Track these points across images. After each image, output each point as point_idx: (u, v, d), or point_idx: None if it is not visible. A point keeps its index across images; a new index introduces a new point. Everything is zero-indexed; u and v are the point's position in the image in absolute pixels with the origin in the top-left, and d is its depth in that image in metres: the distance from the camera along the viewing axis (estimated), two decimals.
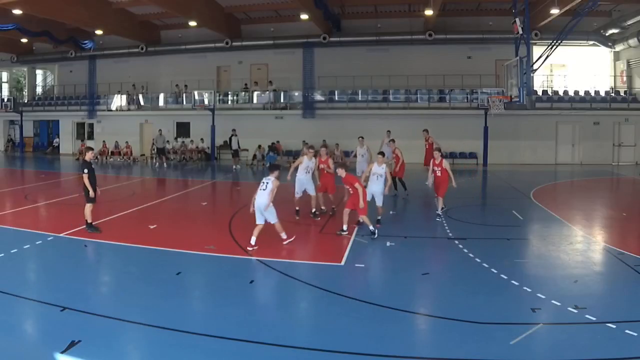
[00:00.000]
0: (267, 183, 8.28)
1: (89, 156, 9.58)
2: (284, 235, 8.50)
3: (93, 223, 9.47)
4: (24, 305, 5.86)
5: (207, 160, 26.70)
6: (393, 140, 14.30)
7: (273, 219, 8.33)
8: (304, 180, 10.65)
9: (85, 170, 9.26)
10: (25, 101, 33.00)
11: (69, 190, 15.47)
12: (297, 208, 10.81)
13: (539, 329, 5.15)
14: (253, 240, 8.16)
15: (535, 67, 16.04)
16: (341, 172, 9.26)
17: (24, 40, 28.73)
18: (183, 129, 28.58)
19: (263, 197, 8.15)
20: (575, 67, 25.40)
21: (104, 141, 27.27)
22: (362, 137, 15.41)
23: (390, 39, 25.86)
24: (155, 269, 7.45)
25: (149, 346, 4.93)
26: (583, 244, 8.96)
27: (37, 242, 8.59)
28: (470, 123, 24.22)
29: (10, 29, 23.91)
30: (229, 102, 28.42)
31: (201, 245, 8.58)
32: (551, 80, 25.88)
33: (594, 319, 5.37)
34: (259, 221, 8.25)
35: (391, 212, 12.05)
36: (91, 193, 9.25)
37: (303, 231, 9.98)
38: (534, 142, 24.62)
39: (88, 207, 9.37)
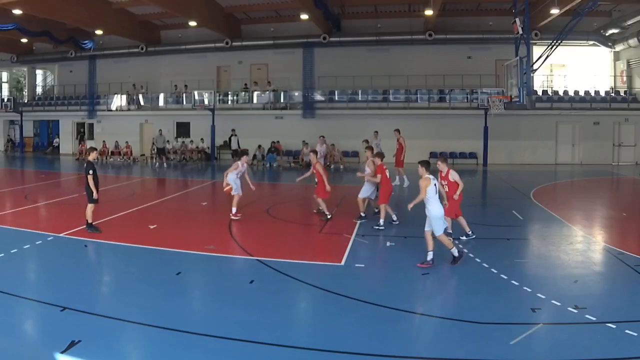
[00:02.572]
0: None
1: (92, 156, 9.63)
2: (234, 210, 10.60)
3: (93, 223, 9.48)
4: (24, 305, 5.86)
5: (207, 160, 26.71)
6: (367, 141, 14.32)
7: (234, 191, 10.72)
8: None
9: (90, 171, 9.27)
10: (25, 101, 33.00)
11: (69, 190, 15.48)
12: (362, 213, 10.65)
13: (539, 329, 5.15)
14: (234, 210, 10.61)
15: (535, 67, 16.03)
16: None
17: (24, 40, 28.73)
18: (183, 129, 28.58)
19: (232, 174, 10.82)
20: (575, 67, 25.39)
21: (104, 141, 27.27)
22: (323, 136, 17.17)
23: (390, 39, 25.86)
24: (155, 269, 7.45)
25: (149, 346, 4.93)
26: (583, 244, 8.96)
27: (37, 242, 8.60)
28: (470, 123, 24.23)
29: (10, 29, 23.91)
30: (229, 102, 28.43)
31: (201, 245, 8.59)
32: (551, 80, 25.88)
33: (594, 319, 5.37)
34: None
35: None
36: (95, 194, 9.28)
37: (303, 231, 9.99)
38: (534, 142, 24.62)
39: (90, 207, 9.39)
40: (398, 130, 16.41)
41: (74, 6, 21.74)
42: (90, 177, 9.22)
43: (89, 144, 28.08)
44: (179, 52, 28.85)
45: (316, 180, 10.96)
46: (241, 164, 11.11)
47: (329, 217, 10.61)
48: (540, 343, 4.93)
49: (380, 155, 10.49)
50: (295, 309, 6.20)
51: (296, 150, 25.30)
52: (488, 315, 5.58)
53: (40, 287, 6.68)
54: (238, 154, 11.56)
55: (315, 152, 11.46)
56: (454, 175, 8.77)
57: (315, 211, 11.37)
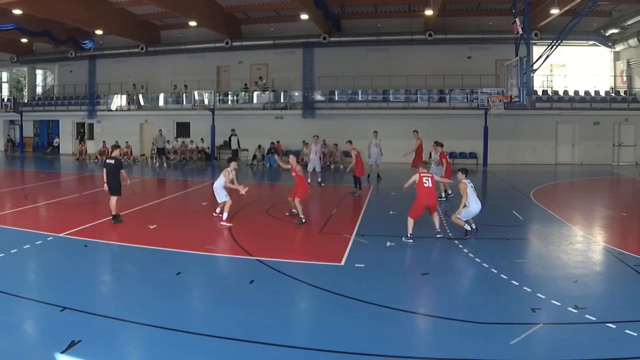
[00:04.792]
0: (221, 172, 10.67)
1: (116, 153, 10.43)
2: (224, 216, 10.19)
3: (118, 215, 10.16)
4: (24, 305, 5.87)
5: (207, 160, 26.71)
6: (350, 142, 15.20)
7: (220, 198, 10.42)
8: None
9: (122, 166, 10.11)
10: (25, 101, 32.98)
11: (69, 191, 15.48)
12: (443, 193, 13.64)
13: (539, 329, 5.15)
14: (225, 216, 10.17)
15: (535, 67, 16.02)
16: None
17: (24, 40, 28.71)
18: (183, 129, 28.59)
19: (218, 182, 10.43)
20: (575, 67, 25.40)
21: (103, 141, 27.26)
22: (317, 136, 17.65)
23: (390, 39, 25.86)
24: (155, 269, 7.45)
25: (149, 346, 4.93)
26: (583, 244, 8.96)
27: (37, 242, 8.60)
28: (470, 123, 24.23)
29: (10, 29, 23.91)
30: (229, 102, 28.41)
31: (201, 245, 8.59)
32: (551, 80, 25.89)
33: (594, 319, 5.37)
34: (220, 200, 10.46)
35: (391, 212, 12.06)
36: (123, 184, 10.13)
37: (303, 231, 9.99)
38: (534, 142, 24.62)
39: (115, 199, 10.06)
40: (417, 131, 16.50)
41: (74, 6, 21.74)
42: (124, 171, 10.07)
43: (89, 144, 28.22)
44: (179, 52, 28.85)
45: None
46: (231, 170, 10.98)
47: (304, 220, 10.33)
48: (540, 343, 4.93)
49: (440, 144, 13.23)
50: (295, 309, 6.20)
51: (296, 150, 25.28)
52: (488, 315, 5.59)
53: (40, 287, 6.68)
54: (232, 157, 12.08)
55: (294, 156, 11.53)
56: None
57: (287, 214, 11.17)
